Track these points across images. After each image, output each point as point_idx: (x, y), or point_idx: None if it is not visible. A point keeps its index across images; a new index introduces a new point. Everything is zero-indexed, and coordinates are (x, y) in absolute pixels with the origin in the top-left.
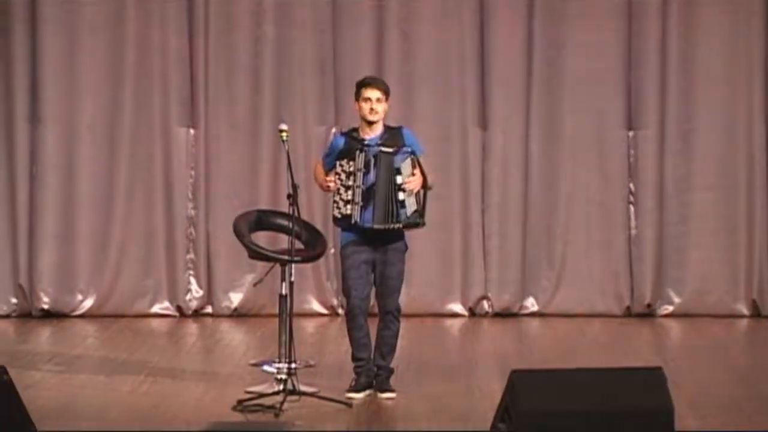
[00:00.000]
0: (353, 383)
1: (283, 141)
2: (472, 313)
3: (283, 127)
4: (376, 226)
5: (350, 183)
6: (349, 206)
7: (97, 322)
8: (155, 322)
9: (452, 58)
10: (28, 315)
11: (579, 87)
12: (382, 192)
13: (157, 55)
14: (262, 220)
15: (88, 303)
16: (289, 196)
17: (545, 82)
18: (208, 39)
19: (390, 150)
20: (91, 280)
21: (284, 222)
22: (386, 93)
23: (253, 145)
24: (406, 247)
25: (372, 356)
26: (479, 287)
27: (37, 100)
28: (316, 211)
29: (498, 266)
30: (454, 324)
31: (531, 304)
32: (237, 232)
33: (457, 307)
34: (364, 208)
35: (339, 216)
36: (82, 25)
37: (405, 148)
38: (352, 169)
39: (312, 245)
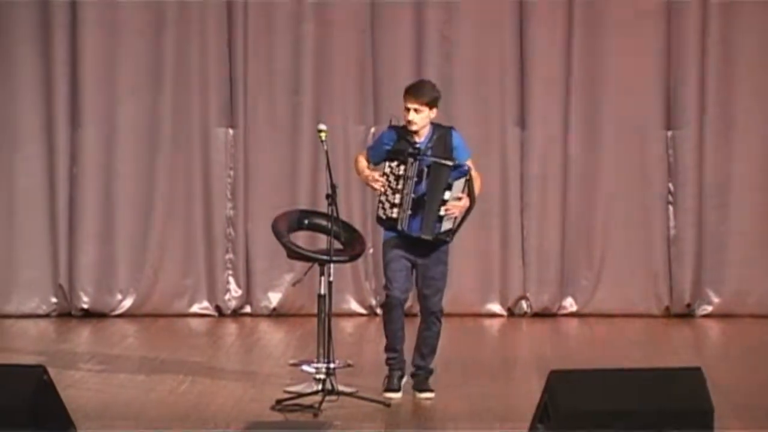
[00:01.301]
0: (387, 381)
1: (321, 141)
2: (511, 313)
3: (322, 127)
4: (423, 236)
5: (398, 187)
6: (395, 210)
7: (136, 321)
8: (194, 322)
9: (492, 59)
10: (68, 315)
11: (618, 87)
12: (430, 203)
13: (197, 57)
14: (301, 220)
15: (128, 303)
16: (327, 196)
17: (584, 83)
18: (247, 40)
19: (448, 163)
20: (130, 280)
21: (323, 222)
22: (427, 104)
23: (292, 146)
24: (447, 247)
25: (400, 350)
26: (518, 287)
27: (78, 103)
28: (354, 211)
29: (537, 266)
30: (493, 324)
31: (570, 304)
32: (276, 232)
33: (495, 307)
34: (412, 216)
35: (384, 217)
36: (122, 28)
37: (463, 167)
38: (402, 173)
39: (351, 245)
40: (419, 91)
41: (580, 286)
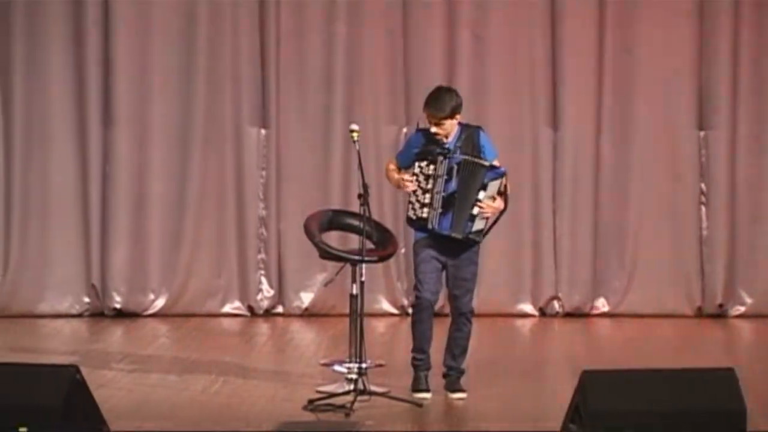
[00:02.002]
0: (415, 382)
1: (353, 141)
2: (543, 313)
3: (354, 127)
4: (453, 234)
5: (428, 186)
6: (425, 210)
7: (168, 321)
8: (226, 322)
9: (523, 59)
10: (101, 314)
11: (650, 87)
12: (461, 201)
13: (229, 56)
14: (333, 220)
15: (160, 302)
16: (359, 196)
17: (616, 83)
18: (279, 40)
19: (484, 163)
20: (163, 279)
21: (355, 222)
22: (449, 115)
23: (324, 145)
24: (478, 248)
25: (427, 352)
26: (550, 287)
27: (110, 102)
28: (386, 211)
29: (569, 266)
30: (525, 324)
31: (602, 305)
32: (308, 232)
33: (527, 308)
34: (442, 214)
35: (414, 218)
36: (154, 28)
37: (500, 169)
38: (431, 172)
39: (383, 245)
40: (439, 106)
41: (611, 287)
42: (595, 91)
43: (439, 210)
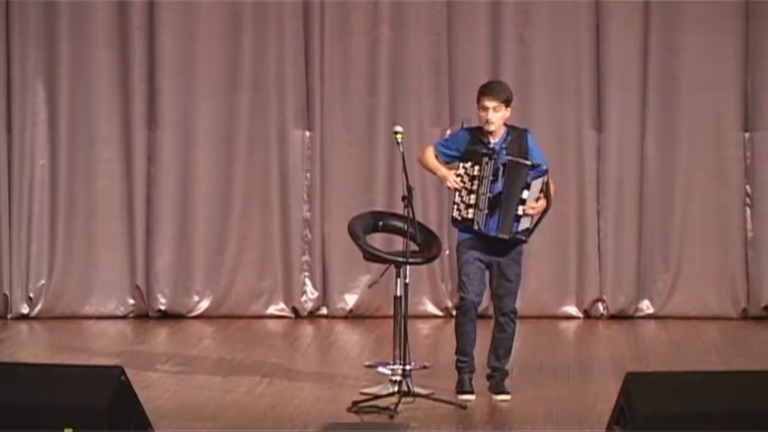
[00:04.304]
0: (459, 384)
1: (398, 143)
2: (587, 315)
3: (398, 129)
4: (500, 235)
5: (473, 187)
6: (471, 210)
7: (213, 323)
8: (271, 324)
9: (568, 61)
10: (146, 316)
11: (695, 88)
12: (507, 201)
13: (273, 59)
14: (377, 222)
15: (205, 304)
16: (404, 198)
17: (661, 84)
18: (323, 42)
19: (526, 162)
20: (207, 281)
21: (399, 224)
22: (505, 101)
23: (368, 147)
24: (522, 248)
25: (470, 354)
26: (594, 289)
27: (155, 104)
28: (431, 213)
29: (613, 268)
30: (569, 326)
31: (646, 307)
32: (352, 234)
33: (571, 309)
34: (489, 215)
35: (459, 218)
36: (200, 31)
37: (542, 166)
38: (477, 173)
39: (427, 247)
40: (496, 90)
41: (656, 289)
42: (639, 92)
43: (486, 211)
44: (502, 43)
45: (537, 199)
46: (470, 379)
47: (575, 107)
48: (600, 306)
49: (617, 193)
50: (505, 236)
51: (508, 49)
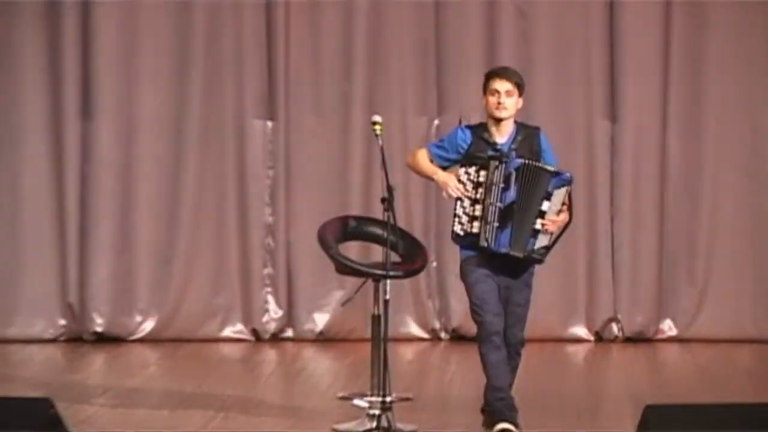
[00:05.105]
0: (497, 414)
1: (376, 135)
2: (599, 337)
3: (377, 119)
4: (513, 253)
5: (479, 196)
6: (476, 224)
7: (159, 347)
8: (227, 348)
9: (577, 39)
10: (79, 339)
11: (724, 74)
12: (522, 213)
13: (230, 36)
14: (352, 229)
15: (149, 325)
16: (383, 200)
17: (685, 68)
18: (288, 16)
19: (548, 168)
20: (152, 298)
21: (378, 230)
22: (518, 86)
23: (341, 141)
24: (534, 269)
25: (507, 390)
26: (607, 308)
27: (90, 91)
28: (415, 218)
29: (629, 283)
30: (578, 350)
31: (668, 328)
32: (323, 243)
33: (581, 331)
34: (499, 229)
35: (462, 233)
36: (142, 3)
37: (565, 175)
38: (483, 180)
39: (410, 257)
40: (510, 71)
41: (680, 306)
42: (660, 77)
43: (495, 224)
44: (499, 18)
45: (558, 212)
46: (512, 417)
47: (584, 94)
48: (614, 327)
49: (634, 195)
50: (519, 254)
51: (507, 25)
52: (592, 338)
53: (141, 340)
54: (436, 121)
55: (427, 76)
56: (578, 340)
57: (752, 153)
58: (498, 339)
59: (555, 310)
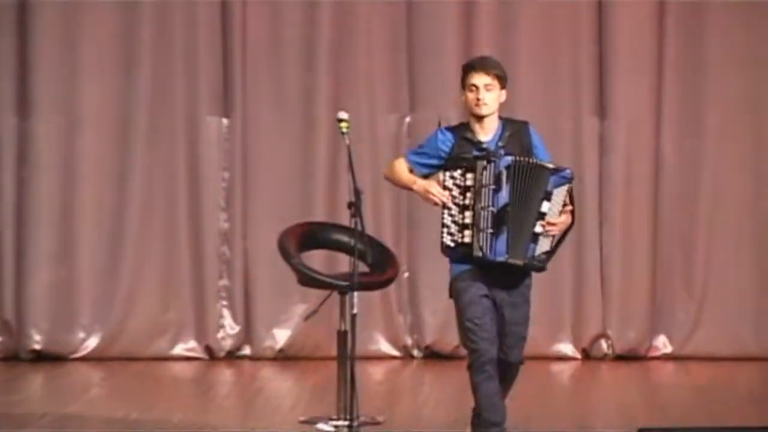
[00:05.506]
0: None
1: (342, 133)
2: (587, 355)
3: (343, 116)
4: (512, 261)
5: (468, 202)
6: (467, 232)
7: (103, 366)
8: (178, 367)
9: (562, 29)
10: (14, 358)
11: (726, 65)
12: (520, 216)
13: (180, 25)
14: (315, 236)
15: (92, 342)
16: (350, 205)
17: (682, 60)
18: (246, 4)
19: (547, 165)
20: (95, 313)
21: (344, 238)
22: (499, 78)
23: (304, 139)
24: (530, 282)
25: (502, 424)
26: (596, 322)
27: (27, 86)
28: (385, 224)
29: (620, 295)
30: (564, 369)
31: (663, 344)
32: (284, 252)
33: (567, 348)
34: (494, 235)
35: (452, 245)
36: None
37: (565, 172)
38: (471, 183)
39: (380, 268)
40: (489, 62)
41: (676, 321)
42: (654, 69)
43: (489, 230)
44: (476, 8)
45: (560, 213)
46: None
47: (571, 88)
48: (603, 344)
49: (625, 199)
50: (519, 262)
51: (486, 13)
52: (579, 356)
53: (83, 359)
54: (408, 119)
55: (398, 70)
56: (564, 359)
57: (756, 152)
58: (492, 368)
59: (538, 326)
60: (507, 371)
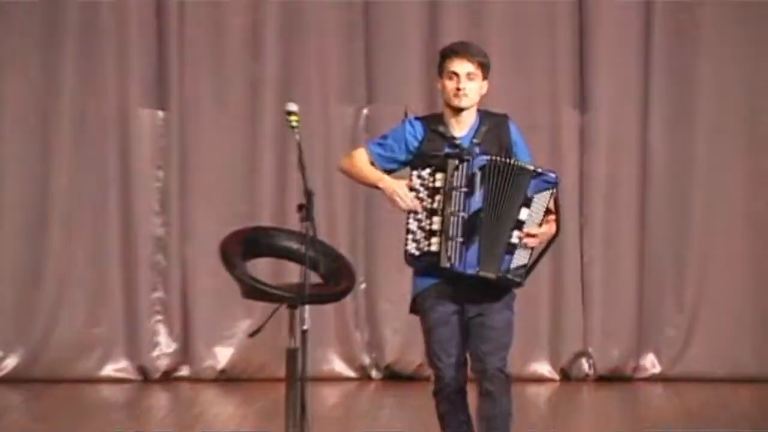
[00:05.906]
0: None
1: (291, 128)
2: (566, 376)
3: (292, 108)
4: (483, 274)
5: (436, 206)
6: (435, 240)
7: (23, 388)
8: (108, 390)
9: (538, 16)
10: None
11: (718, 55)
12: (494, 223)
13: (109, 11)
14: (261, 243)
15: (11, 362)
16: (300, 207)
17: (670, 49)
18: None
19: (528, 166)
20: (15, 329)
21: (294, 245)
22: (483, 66)
23: (248, 135)
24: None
25: None
26: (576, 340)
27: None
28: (339, 229)
29: (602, 309)
30: (540, 392)
31: (651, 364)
32: (226, 260)
33: (544, 368)
34: (464, 244)
35: (418, 253)
36: None
37: (548, 176)
38: (440, 184)
39: (334, 278)
40: (472, 48)
41: (665, 338)
42: (639, 59)
43: (459, 239)
44: None
45: (541, 222)
46: None
47: (549, 79)
48: (584, 363)
49: (608, 201)
50: (491, 275)
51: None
52: (557, 377)
53: (2, 380)
54: (365, 111)
55: (354, 58)
56: (540, 380)
57: (752, 151)
58: (459, 397)
59: (514, 344)
60: (492, 389)
